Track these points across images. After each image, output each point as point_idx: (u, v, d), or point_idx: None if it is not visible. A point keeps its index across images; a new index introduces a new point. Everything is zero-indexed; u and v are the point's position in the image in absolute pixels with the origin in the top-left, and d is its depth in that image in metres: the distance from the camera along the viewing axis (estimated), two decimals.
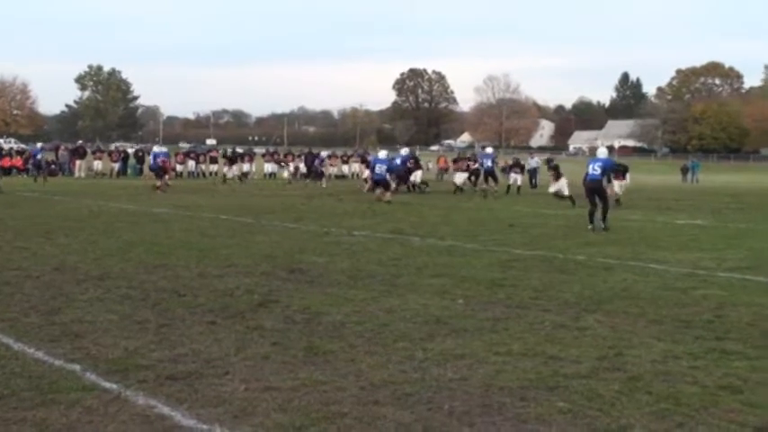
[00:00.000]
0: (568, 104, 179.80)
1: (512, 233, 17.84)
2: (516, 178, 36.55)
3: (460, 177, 35.73)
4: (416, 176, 37.38)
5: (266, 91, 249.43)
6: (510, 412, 5.75)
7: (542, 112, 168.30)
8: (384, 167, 28.70)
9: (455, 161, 36.80)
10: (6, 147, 61.90)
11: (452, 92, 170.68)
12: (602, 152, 21.37)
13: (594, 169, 19.70)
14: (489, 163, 33.98)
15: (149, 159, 39.67)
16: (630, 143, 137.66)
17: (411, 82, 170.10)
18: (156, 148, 41.31)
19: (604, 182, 19.94)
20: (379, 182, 28.43)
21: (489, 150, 37.75)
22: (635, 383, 6.43)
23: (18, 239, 15.22)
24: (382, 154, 31.11)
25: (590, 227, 18.89)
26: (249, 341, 7.66)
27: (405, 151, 39.70)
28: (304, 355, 7.16)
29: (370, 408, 5.78)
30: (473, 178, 34.78)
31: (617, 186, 26.82)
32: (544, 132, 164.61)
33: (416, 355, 7.20)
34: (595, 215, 19.08)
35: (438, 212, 24.01)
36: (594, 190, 19.59)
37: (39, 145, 45.92)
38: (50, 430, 5.31)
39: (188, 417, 5.56)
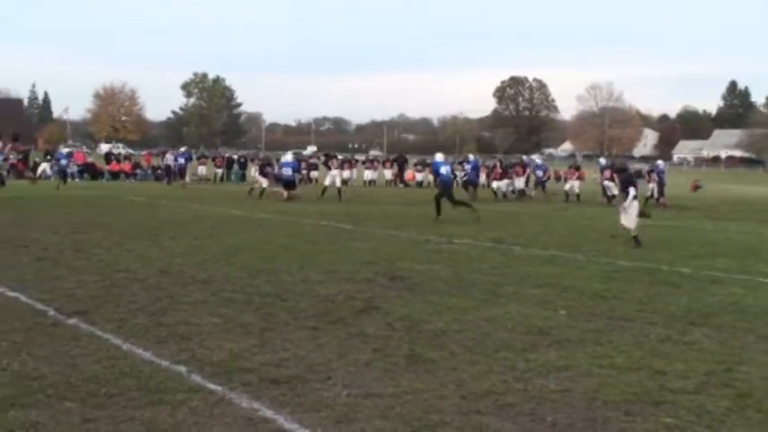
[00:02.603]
0: (673, 113, 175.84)
1: (614, 244, 17.52)
2: (650, 188, 33.93)
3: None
4: (519, 183, 38.13)
5: (366, 99, 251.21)
6: (614, 427, 5.64)
7: (646, 120, 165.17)
8: (290, 170, 31.82)
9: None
10: (115, 152, 63.65)
11: (553, 100, 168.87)
12: (440, 156, 26.27)
13: (449, 172, 25.72)
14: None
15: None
16: (738, 153, 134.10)
17: (512, 90, 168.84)
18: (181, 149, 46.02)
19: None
20: (288, 183, 31.31)
21: (471, 157, 40.88)
22: (745, 401, 6.25)
23: (126, 242, 15.60)
24: (289, 157, 33.86)
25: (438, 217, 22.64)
26: (351, 347, 7.71)
27: (471, 157, 41.30)
28: (405, 363, 7.17)
29: (472, 417, 5.75)
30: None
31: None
32: (647, 141, 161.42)
33: (518, 366, 7.14)
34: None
35: (539, 221, 23.78)
36: (450, 188, 24.38)
37: (64, 150, 46.43)
38: (157, 430, 5.43)
39: (290, 421, 5.62)
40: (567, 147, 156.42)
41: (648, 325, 9.00)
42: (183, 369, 6.81)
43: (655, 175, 34.39)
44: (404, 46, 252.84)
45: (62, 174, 38.04)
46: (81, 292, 10.22)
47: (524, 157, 45.25)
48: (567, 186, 37.64)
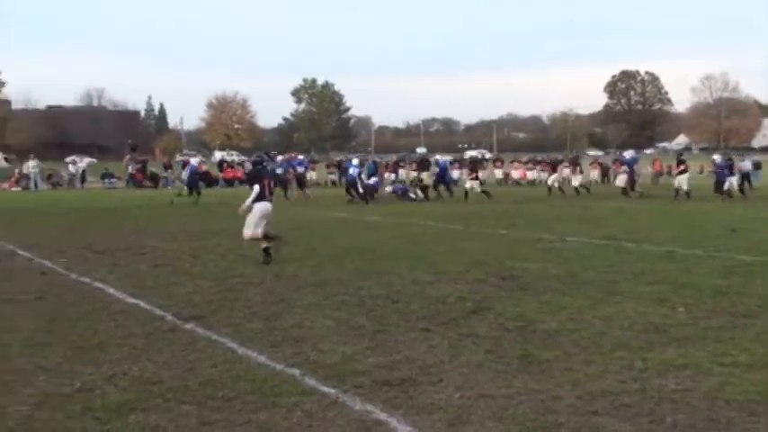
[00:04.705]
0: None
1: (733, 238, 17.00)
2: (731, 181, 33.58)
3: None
4: (575, 180, 38.41)
5: (475, 98, 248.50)
6: (738, 427, 5.45)
7: (765, 110, 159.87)
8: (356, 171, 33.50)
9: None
10: (228, 159, 65.01)
11: (666, 93, 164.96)
12: (355, 161, 34.44)
13: (356, 172, 32.24)
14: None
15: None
16: None
17: (623, 84, 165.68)
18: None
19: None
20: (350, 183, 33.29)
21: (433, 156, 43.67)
22: None
23: (240, 248, 15.81)
24: (356, 161, 35.90)
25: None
26: (463, 348, 7.65)
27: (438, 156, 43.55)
28: (518, 363, 7.08)
29: (588, 418, 5.63)
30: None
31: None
32: (767, 132, 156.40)
33: (636, 365, 6.97)
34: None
35: (653, 217, 23.27)
36: (355, 185, 31.81)
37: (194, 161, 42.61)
38: None
39: (404, 423, 5.60)
40: (681, 140, 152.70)
41: None
42: (296, 372, 6.87)
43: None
44: (511, 44, 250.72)
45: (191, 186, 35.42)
46: (197, 298, 10.45)
47: (624, 153, 44.25)
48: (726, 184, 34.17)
